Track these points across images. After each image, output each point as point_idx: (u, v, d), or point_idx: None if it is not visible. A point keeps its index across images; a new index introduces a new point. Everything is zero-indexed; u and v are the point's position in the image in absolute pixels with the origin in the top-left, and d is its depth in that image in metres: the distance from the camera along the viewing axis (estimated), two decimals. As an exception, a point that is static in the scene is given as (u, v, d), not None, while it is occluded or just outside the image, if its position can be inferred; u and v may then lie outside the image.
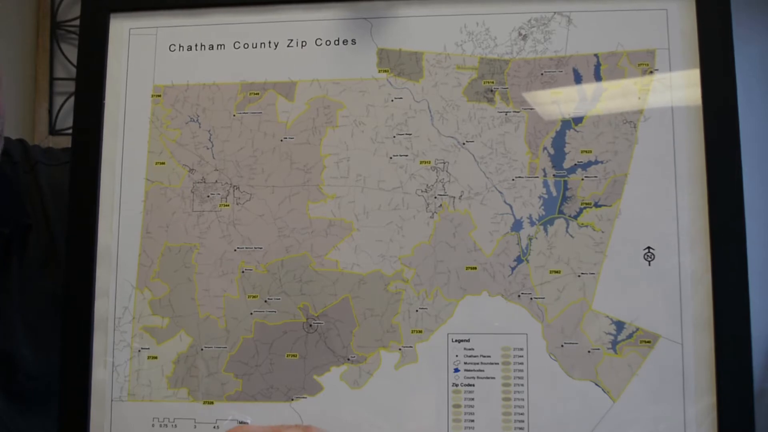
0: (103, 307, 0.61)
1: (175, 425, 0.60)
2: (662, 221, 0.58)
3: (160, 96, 0.64)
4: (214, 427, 0.59)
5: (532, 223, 0.59)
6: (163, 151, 0.63)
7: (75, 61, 0.71)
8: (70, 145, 0.64)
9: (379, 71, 0.62)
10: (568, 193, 0.59)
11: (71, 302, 0.61)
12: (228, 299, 0.61)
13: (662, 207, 0.58)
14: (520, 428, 0.57)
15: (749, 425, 0.55)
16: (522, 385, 0.58)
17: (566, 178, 0.59)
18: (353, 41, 0.63)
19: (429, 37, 0.62)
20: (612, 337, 0.57)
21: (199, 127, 0.63)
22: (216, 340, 0.60)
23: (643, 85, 0.60)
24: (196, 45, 0.64)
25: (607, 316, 0.58)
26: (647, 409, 0.57)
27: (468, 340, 0.59)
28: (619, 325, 0.58)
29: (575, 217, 0.59)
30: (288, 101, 0.62)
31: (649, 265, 0.58)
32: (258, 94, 0.63)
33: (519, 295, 0.58)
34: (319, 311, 0.60)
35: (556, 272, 0.58)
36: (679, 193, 0.58)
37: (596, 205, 0.59)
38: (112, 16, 0.64)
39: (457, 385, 0.58)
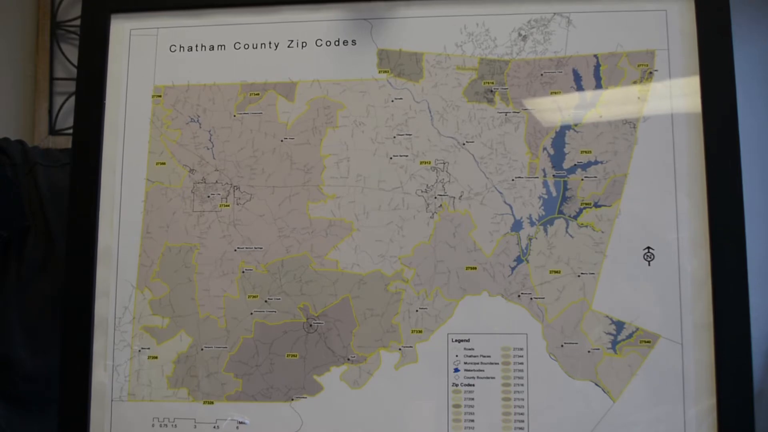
0: (103, 307, 0.61)
1: (175, 425, 0.60)
2: (662, 221, 0.58)
3: (160, 96, 0.64)
4: (214, 427, 0.59)
5: (532, 223, 0.59)
6: (163, 151, 0.63)
7: (75, 61, 0.71)
8: (70, 145, 0.64)
9: (380, 72, 0.62)
10: (567, 194, 0.59)
11: (71, 302, 0.61)
12: (228, 299, 0.61)
13: (662, 207, 0.58)
14: (520, 428, 0.57)
15: (749, 426, 0.55)
16: (522, 385, 0.58)
17: (566, 179, 0.59)
18: (353, 42, 0.63)
19: (429, 38, 0.62)
20: (612, 337, 0.58)
21: (200, 127, 0.63)
22: (216, 340, 0.60)
23: (643, 85, 0.60)
24: (196, 45, 0.64)
25: (607, 316, 0.58)
26: (647, 409, 0.57)
27: (468, 340, 0.59)
28: (619, 325, 0.58)
29: (575, 217, 0.59)
30: (288, 102, 0.62)
31: (649, 265, 0.58)
32: (258, 94, 0.63)
33: (519, 295, 0.58)
34: (319, 311, 0.60)
35: (556, 272, 0.58)
36: (679, 193, 0.58)
37: (596, 205, 0.59)
38: (112, 16, 0.64)
39: (457, 385, 0.58)
